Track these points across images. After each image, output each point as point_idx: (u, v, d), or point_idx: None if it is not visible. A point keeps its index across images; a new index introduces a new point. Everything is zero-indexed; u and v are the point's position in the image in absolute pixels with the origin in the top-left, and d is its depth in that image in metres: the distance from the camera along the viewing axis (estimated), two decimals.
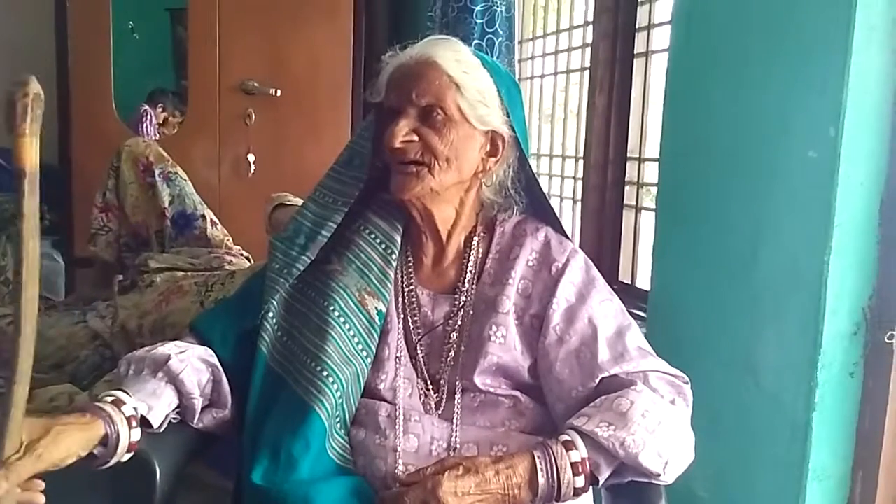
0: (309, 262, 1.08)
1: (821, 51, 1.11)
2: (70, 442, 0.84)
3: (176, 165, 2.27)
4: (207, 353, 1.04)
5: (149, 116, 3.41)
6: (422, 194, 1.03)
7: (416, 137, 1.01)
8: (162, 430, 0.98)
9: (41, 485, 0.81)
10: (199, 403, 1.01)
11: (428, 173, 1.02)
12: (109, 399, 0.93)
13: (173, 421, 1.00)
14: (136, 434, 0.92)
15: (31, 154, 0.69)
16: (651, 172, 1.87)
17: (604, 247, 1.96)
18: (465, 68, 1.02)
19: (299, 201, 1.91)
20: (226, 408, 1.04)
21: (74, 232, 3.00)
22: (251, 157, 2.98)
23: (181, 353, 1.01)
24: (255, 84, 2.95)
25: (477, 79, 1.03)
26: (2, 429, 0.74)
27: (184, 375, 0.98)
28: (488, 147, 1.06)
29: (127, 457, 0.92)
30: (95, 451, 0.89)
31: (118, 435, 0.90)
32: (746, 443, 1.25)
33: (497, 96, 1.04)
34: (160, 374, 0.98)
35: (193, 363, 1.01)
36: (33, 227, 0.70)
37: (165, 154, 2.27)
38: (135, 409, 0.93)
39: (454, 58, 1.02)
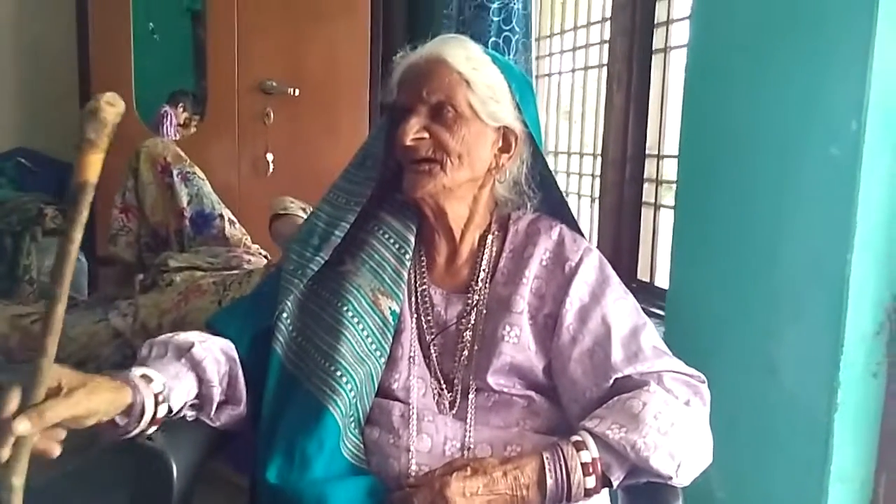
0: (322, 262, 1.08)
1: (843, 44, 1.09)
2: (102, 398, 0.83)
3: (193, 165, 2.28)
4: (228, 346, 1.04)
5: (169, 117, 3.43)
6: (435, 192, 1.03)
7: (427, 135, 1.01)
8: (178, 416, 0.97)
9: (62, 434, 0.79)
10: (217, 393, 1.00)
11: (440, 171, 1.02)
12: (138, 373, 0.92)
13: (188, 417, 1.00)
14: (163, 410, 0.92)
15: (97, 168, 0.74)
16: (670, 169, 1.85)
17: (622, 245, 1.95)
18: (475, 65, 1.02)
19: (300, 207, 1.94)
20: (240, 404, 1.03)
21: (96, 231, 3.03)
22: (270, 157, 2.99)
23: (204, 342, 1.01)
24: (274, 84, 2.96)
25: (487, 75, 1.02)
26: (35, 376, 0.74)
27: (206, 363, 0.98)
28: (500, 143, 1.05)
29: (151, 430, 0.92)
30: (117, 420, 0.88)
31: (143, 406, 0.89)
32: (766, 444, 1.23)
33: (508, 92, 1.04)
34: (183, 360, 0.98)
35: (215, 353, 1.01)
36: (79, 235, 0.76)
37: (183, 154, 2.29)
38: (163, 384, 0.93)
39: (464, 55, 1.02)
